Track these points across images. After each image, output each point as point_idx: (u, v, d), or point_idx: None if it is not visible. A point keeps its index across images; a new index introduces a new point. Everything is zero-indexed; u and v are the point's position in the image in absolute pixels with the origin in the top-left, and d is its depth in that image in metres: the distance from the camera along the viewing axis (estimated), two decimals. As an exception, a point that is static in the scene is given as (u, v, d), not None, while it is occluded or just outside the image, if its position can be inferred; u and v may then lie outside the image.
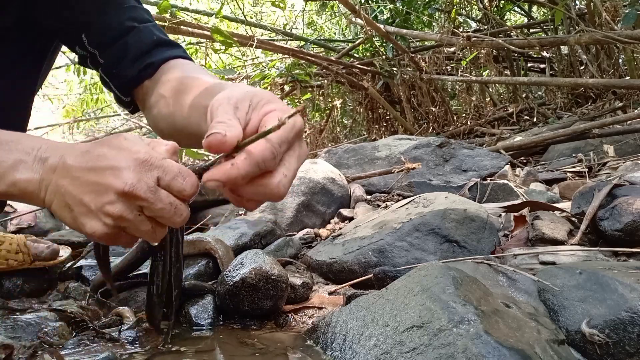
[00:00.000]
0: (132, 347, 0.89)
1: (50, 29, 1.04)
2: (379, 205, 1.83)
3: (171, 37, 1.36)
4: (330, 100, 4.74)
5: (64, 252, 1.38)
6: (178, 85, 0.91)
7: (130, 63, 0.98)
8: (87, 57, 1.02)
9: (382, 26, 3.92)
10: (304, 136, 0.69)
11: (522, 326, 0.72)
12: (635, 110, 3.09)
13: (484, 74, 4.49)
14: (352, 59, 4.82)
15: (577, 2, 4.08)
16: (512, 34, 4.18)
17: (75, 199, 0.66)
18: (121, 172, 0.64)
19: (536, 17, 5.05)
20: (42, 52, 1.10)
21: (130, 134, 0.72)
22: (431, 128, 4.40)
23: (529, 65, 4.96)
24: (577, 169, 2.28)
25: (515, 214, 1.40)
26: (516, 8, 4.85)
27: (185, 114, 0.87)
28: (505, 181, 1.97)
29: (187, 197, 0.66)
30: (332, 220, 1.74)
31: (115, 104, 5.64)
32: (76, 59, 1.10)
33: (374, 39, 4.32)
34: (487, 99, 4.80)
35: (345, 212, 1.75)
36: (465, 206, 1.29)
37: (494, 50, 4.32)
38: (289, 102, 4.35)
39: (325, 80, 4.54)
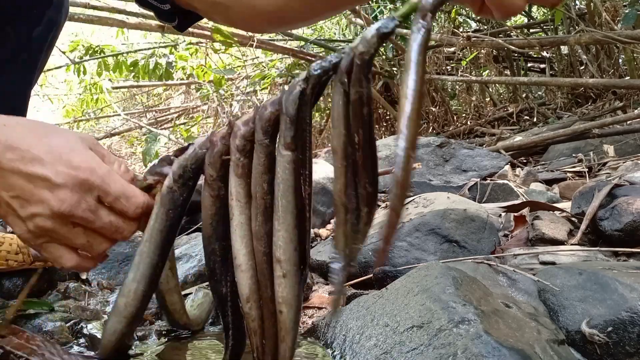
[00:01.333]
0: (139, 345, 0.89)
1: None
2: (379, 205, 1.83)
3: (171, 37, 1.35)
4: (330, 100, 4.74)
5: None
6: None
7: None
8: None
9: (382, 26, 3.91)
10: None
11: (522, 326, 0.72)
12: (635, 110, 3.09)
13: (484, 74, 4.49)
14: (352, 59, 4.80)
15: (577, 2, 4.08)
16: (512, 34, 4.18)
17: (1, 197, 0.60)
18: (58, 190, 0.59)
19: (536, 17, 5.05)
20: (40, 42, 1.09)
21: (76, 132, 0.67)
22: (431, 128, 4.40)
23: (529, 65, 4.96)
24: (577, 169, 2.28)
25: (515, 214, 1.40)
26: (516, 8, 4.83)
27: None
28: (505, 181, 1.97)
29: (131, 218, 0.64)
30: (332, 220, 1.74)
31: (116, 104, 5.65)
32: (76, 59, 1.09)
33: None
34: (487, 99, 4.80)
35: (345, 212, 1.74)
36: (465, 206, 1.29)
37: (494, 50, 4.32)
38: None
39: (325, 80, 4.53)
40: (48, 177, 0.59)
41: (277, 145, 0.54)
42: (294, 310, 0.55)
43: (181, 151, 0.64)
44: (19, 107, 1.13)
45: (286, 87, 0.55)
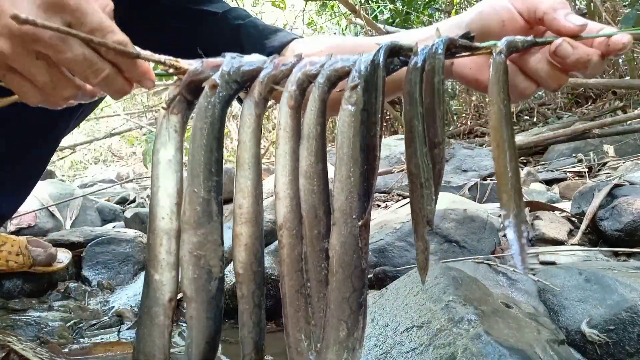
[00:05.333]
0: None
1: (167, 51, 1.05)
2: (379, 206, 1.83)
3: None
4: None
5: (64, 256, 1.37)
6: (331, 47, 0.87)
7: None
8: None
9: (382, 26, 3.92)
10: None
11: (522, 326, 0.72)
12: (635, 111, 3.10)
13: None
14: (352, 59, 4.81)
15: (577, 2, 4.08)
16: (512, 34, 4.17)
17: None
18: (22, 3, 0.51)
19: (536, 17, 5.04)
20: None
21: None
22: (431, 128, 4.39)
23: (529, 65, 4.94)
24: (577, 169, 2.28)
25: (515, 214, 1.40)
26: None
27: None
28: (505, 181, 1.97)
29: (106, 56, 0.55)
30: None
31: (116, 104, 5.65)
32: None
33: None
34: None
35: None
36: (465, 206, 1.29)
37: (494, 50, 4.31)
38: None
39: (325, 80, 4.54)
40: None
41: (342, 100, 0.55)
42: (340, 257, 0.54)
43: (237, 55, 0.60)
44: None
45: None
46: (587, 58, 0.60)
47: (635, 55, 3.46)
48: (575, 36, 0.60)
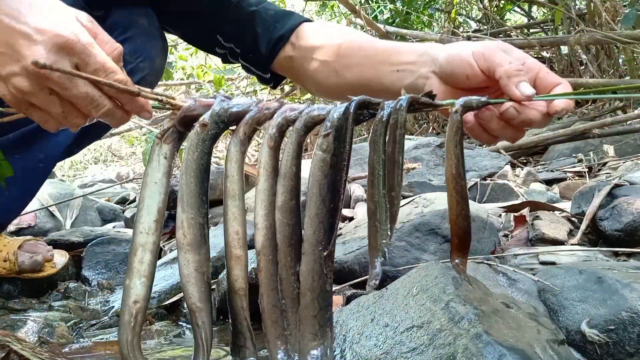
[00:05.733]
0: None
1: (190, 39, 1.17)
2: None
3: (171, 37, 1.40)
4: (330, 100, 4.75)
5: (60, 260, 1.36)
6: (338, 50, 0.98)
7: (263, 43, 1.05)
8: (226, 54, 1.09)
9: (382, 26, 3.92)
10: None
11: (522, 326, 0.72)
12: (635, 110, 3.09)
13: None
14: (352, 59, 4.80)
15: (577, 2, 4.08)
16: (512, 34, 4.18)
17: None
18: (36, 46, 0.59)
19: (536, 17, 5.05)
20: None
21: (72, 8, 0.66)
22: (431, 128, 4.40)
23: (529, 65, 4.94)
24: (577, 169, 2.28)
25: (515, 214, 1.40)
26: (516, 8, 4.85)
27: (357, 72, 0.93)
28: (505, 181, 1.97)
29: (107, 93, 0.63)
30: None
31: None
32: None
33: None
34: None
35: (345, 212, 1.75)
36: (465, 206, 1.29)
37: (494, 50, 4.31)
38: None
39: (325, 80, 4.53)
40: (29, 34, 0.59)
41: (315, 147, 0.64)
42: (308, 282, 0.64)
43: (227, 97, 0.68)
44: None
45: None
46: (530, 121, 0.69)
47: (635, 55, 3.46)
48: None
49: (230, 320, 0.67)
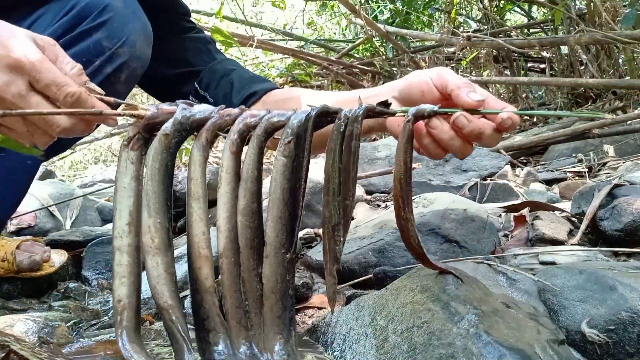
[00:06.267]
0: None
1: (170, 85, 1.24)
2: (379, 205, 1.83)
3: None
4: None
5: (58, 259, 1.36)
6: (281, 96, 1.08)
7: (237, 94, 1.13)
8: (198, 102, 1.13)
9: (382, 26, 3.92)
10: None
11: (522, 326, 0.72)
12: (636, 110, 3.09)
13: (484, 74, 4.49)
14: (352, 59, 4.82)
15: (577, 2, 4.08)
16: (512, 34, 4.18)
17: None
18: None
19: (536, 17, 5.05)
20: None
21: (31, 32, 0.68)
22: (431, 128, 4.39)
23: (529, 65, 4.96)
24: (577, 169, 2.28)
25: (515, 214, 1.40)
26: (516, 8, 4.85)
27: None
28: (505, 181, 1.97)
29: (65, 106, 0.64)
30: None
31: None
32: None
33: (374, 39, 4.32)
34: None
35: (345, 212, 1.74)
36: (465, 206, 1.29)
37: (494, 50, 4.32)
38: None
39: (325, 81, 4.55)
40: None
41: (276, 152, 0.65)
42: (272, 284, 0.65)
43: (189, 103, 0.69)
44: None
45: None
46: (480, 130, 0.71)
47: (635, 55, 3.46)
48: (475, 111, 0.72)
49: (195, 322, 0.69)
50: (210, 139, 0.67)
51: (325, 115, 0.67)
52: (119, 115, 0.68)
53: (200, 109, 0.68)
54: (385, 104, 0.70)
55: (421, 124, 0.74)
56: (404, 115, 0.70)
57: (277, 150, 0.65)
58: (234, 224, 0.66)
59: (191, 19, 1.32)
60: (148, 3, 1.11)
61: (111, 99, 0.69)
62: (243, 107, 0.69)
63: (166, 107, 0.68)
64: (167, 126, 0.66)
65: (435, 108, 0.70)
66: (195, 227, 0.67)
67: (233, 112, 0.68)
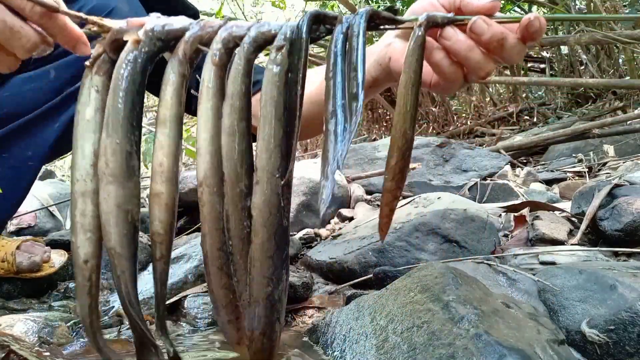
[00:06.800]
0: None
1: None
2: (378, 205, 1.82)
3: None
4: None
5: (58, 259, 1.36)
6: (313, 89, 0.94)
7: None
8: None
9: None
10: None
11: (522, 326, 0.72)
12: (636, 110, 3.09)
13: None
14: (352, 59, 4.81)
15: (577, 2, 4.08)
16: (512, 34, 4.17)
17: None
18: None
19: (536, 17, 5.04)
20: None
21: None
22: (431, 128, 4.40)
23: (529, 65, 4.96)
24: (577, 169, 2.28)
25: (515, 214, 1.40)
26: (516, 8, 4.85)
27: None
28: (505, 181, 1.97)
29: (31, 19, 0.56)
30: (332, 220, 1.75)
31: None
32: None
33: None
34: (487, 99, 4.81)
35: (345, 212, 1.75)
36: (465, 206, 1.29)
37: (494, 50, 4.31)
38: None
39: (325, 80, 4.54)
40: None
41: (267, 61, 0.56)
42: (261, 215, 0.54)
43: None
44: None
45: None
46: (502, 35, 0.62)
47: (635, 55, 3.46)
48: (491, 17, 0.63)
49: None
50: (190, 54, 0.57)
51: (323, 22, 0.58)
52: (81, 18, 0.58)
53: (178, 19, 0.58)
54: (393, 9, 0.61)
55: (431, 40, 0.65)
56: (411, 27, 0.60)
57: (268, 59, 0.56)
58: (217, 147, 0.56)
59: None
60: (156, 8, 1.12)
61: (79, 14, 0.59)
62: (228, 17, 0.61)
63: (137, 19, 0.58)
64: (139, 33, 0.56)
65: (450, 15, 0.62)
66: (155, 156, 0.56)
67: (216, 23, 0.58)
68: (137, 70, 0.56)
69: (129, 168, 0.55)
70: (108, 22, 0.58)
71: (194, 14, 1.28)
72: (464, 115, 4.59)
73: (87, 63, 0.57)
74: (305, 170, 1.82)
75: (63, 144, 1.08)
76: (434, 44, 0.66)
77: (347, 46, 0.57)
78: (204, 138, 0.56)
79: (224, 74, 0.57)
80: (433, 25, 0.61)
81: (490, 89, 4.94)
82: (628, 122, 2.70)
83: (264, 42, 0.56)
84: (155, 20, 0.57)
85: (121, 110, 0.55)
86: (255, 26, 0.57)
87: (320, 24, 0.58)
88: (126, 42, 0.57)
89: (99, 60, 0.57)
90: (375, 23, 0.60)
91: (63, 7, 0.57)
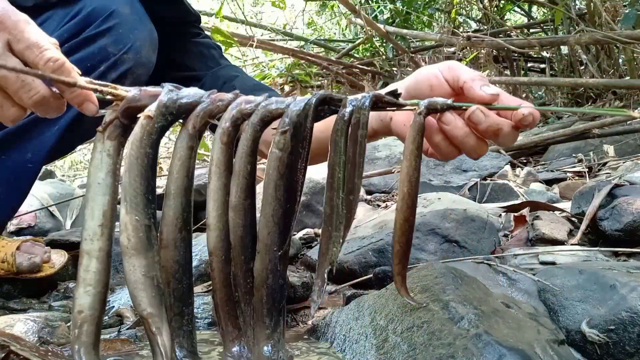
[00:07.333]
0: (134, 346, 0.89)
1: None
2: (379, 205, 1.82)
3: None
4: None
5: (58, 260, 1.36)
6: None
7: None
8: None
9: (382, 26, 3.92)
10: None
11: (522, 326, 0.72)
12: (636, 110, 3.09)
13: (484, 74, 4.48)
14: (352, 59, 4.82)
15: (577, 2, 4.08)
16: (512, 34, 4.18)
17: None
18: None
19: (536, 17, 5.05)
20: None
21: None
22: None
23: (529, 65, 4.96)
24: (577, 169, 2.28)
25: (515, 214, 1.40)
26: (516, 8, 4.85)
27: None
28: (505, 181, 1.97)
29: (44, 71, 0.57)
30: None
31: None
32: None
33: (374, 39, 4.33)
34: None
35: (345, 212, 1.74)
36: (465, 206, 1.29)
37: (494, 50, 4.32)
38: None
39: (325, 80, 4.54)
40: None
41: (271, 144, 0.59)
42: (263, 279, 0.62)
43: (176, 87, 0.62)
44: None
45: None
46: (497, 126, 0.65)
47: (635, 55, 3.46)
48: (491, 107, 0.66)
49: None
50: (199, 127, 0.60)
51: (328, 103, 0.61)
52: (95, 89, 0.59)
53: (189, 92, 0.60)
54: (395, 93, 0.64)
55: (431, 121, 0.68)
56: (414, 110, 0.64)
57: (273, 142, 0.59)
58: (225, 222, 0.61)
59: (200, 25, 1.31)
60: (160, 15, 1.11)
61: (90, 80, 0.60)
62: (237, 91, 0.62)
63: (150, 89, 0.60)
64: (151, 108, 0.58)
65: (449, 101, 0.64)
66: (165, 233, 0.60)
67: (226, 97, 0.60)
68: (150, 145, 0.59)
69: (149, 240, 0.60)
70: (122, 90, 0.60)
71: (196, 19, 1.28)
72: (464, 115, 4.58)
73: (99, 128, 0.59)
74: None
75: (62, 147, 1.08)
76: (433, 126, 0.69)
77: (349, 132, 0.60)
78: (213, 216, 0.61)
79: (232, 150, 0.61)
80: (432, 111, 0.64)
81: (490, 89, 4.93)
82: (628, 122, 2.70)
83: (270, 120, 0.60)
84: (169, 93, 0.60)
85: (138, 188, 0.59)
86: (264, 104, 0.60)
87: (325, 105, 0.61)
88: (138, 109, 0.59)
89: (111, 126, 0.59)
90: (378, 105, 0.63)
91: (80, 81, 0.58)
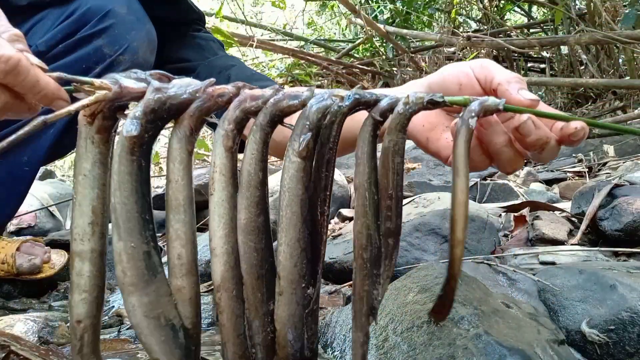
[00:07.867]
0: (134, 346, 0.89)
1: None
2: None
3: None
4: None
5: (58, 260, 1.36)
6: None
7: None
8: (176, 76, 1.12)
9: (382, 26, 3.92)
10: None
11: (522, 326, 0.72)
12: (635, 111, 3.09)
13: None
14: (352, 59, 4.82)
15: (577, 2, 4.08)
16: (512, 34, 4.18)
17: None
18: None
19: (536, 17, 5.05)
20: None
21: None
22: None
23: (529, 65, 4.96)
24: (577, 169, 2.28)
25: (515, 214, 1.40)
26: (516, 8, 4.85)
27: None
28: (505, 181, 1.97)
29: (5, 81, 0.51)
30: (332, 220, 1.75)
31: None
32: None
33: (374, 39, 4.33)
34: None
35: (345, 212, 1.75)
36: (465, 206, 1.29)
37: (494, 50, 4.32)
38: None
39: (325, 81, 4.55)
40: None
41: (287, 149, 0.49)
42: (286, 329, 0.48)
43: (165, 77, 0.52)
44: None
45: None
46: (546, 140, 0.57)
47: (635, 55, 3.46)
48: (541, 113, 0.56)
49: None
50: (195, 127, 0.50)
51: (356, 107, 0.49)
52: (62, 78, 0.53)
53: (181, 86, 0.50)
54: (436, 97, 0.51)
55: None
56: (462, 109, 0.49)
57: (289, 147, 0.48)
58: (234, 245, 0.49)
59: (204, 24, 1.29)
60: (160, 15, 1.11)
61: (59, 74, 0.53)
62: (240, 83, 0.51)
63: (133, 84, 0.50)
64: (137, 113, 0.48)
65: (501, 103, 0.49)
66: (171, 247, 0.50)
67: (226, 92, 0.50)
68: (140, 158, 0.49)
69: (150, 269, 0.49)
70: (100, 86, 0.50)
71: (199, 18, 1.26)
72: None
73: (83, 114, 0.51)
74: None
75: (59, 148, 1.07)
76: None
77: (384, 157, 0.48)
78: (219, 236, 0.50)
79: (236, 155, 0.50)
80: (486, 113, 0.50)
81: (490, 89, 4.93)
82: (628, 122, 2.70)
83: (281, 118, 0.49)
84: (154, 94, 0.49)
85: (132, 209, 0.49)
86: (273, 100, 0.48)
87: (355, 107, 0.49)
88: (122, 108, 0.51)
89: (97, 119, 0.50)
90: (428, 107, 0.50)
91: (43, 80, 0.53)
